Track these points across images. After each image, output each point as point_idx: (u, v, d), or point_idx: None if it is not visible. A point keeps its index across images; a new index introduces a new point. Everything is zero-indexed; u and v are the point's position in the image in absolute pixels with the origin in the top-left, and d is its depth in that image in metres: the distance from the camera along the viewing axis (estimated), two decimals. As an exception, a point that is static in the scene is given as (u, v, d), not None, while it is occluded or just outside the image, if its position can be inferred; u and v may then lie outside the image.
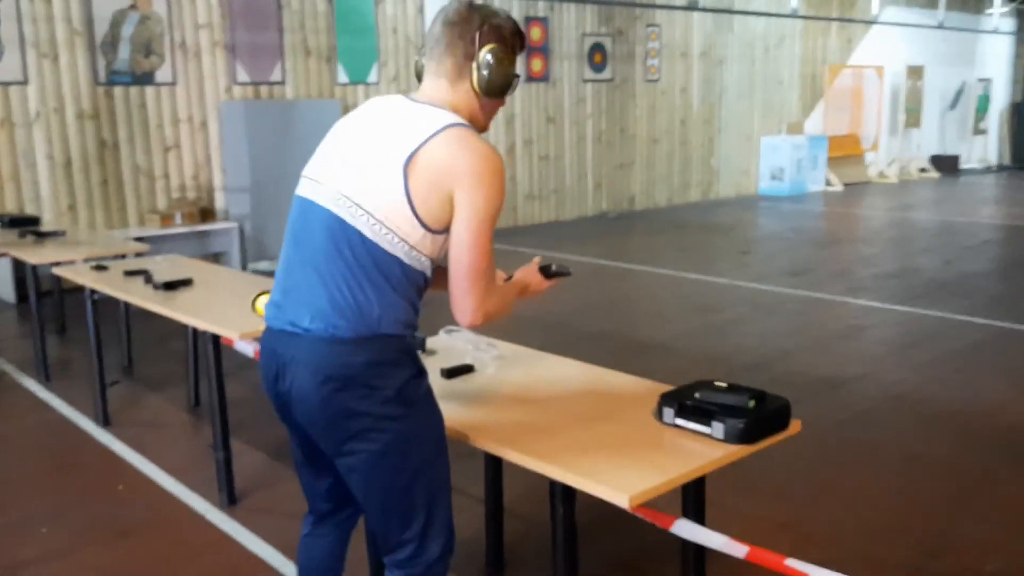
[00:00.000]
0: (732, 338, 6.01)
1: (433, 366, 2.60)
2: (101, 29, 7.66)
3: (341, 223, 1.87)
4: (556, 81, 11.27)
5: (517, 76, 2.00)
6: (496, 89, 1.95)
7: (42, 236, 5.58)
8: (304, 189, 1.98)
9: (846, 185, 15.10)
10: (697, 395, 2.13)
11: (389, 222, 1.84)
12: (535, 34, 10.94)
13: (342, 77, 9.33)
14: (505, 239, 10.10)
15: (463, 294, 1.88)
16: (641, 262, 8.78)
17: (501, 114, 10.70)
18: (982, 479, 3.74)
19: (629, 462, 1.95)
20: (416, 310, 1.96)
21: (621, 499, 1.77)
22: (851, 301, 6.97)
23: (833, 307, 6.87)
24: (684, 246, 9.91)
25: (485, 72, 1.92)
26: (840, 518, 3.39)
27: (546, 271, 2.28)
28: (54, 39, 7.44)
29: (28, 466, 4.01)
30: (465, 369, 2.57)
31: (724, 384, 2.17)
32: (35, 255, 5.02)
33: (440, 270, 1.97)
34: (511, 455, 2.03)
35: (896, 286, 7.54)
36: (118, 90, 7.82)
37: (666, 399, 2.15)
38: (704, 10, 12.33)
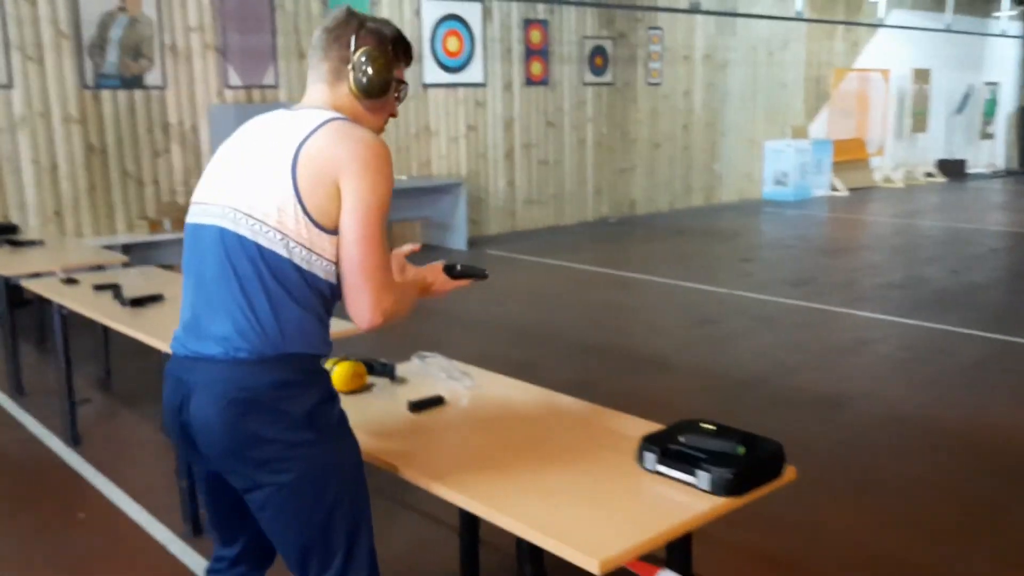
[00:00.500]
0: (730, 352, 5.82)
1: (400, 397, 2.43)
2: (89, 32, 7.50)
3: (233, 236, 1.78)
4: (556, 84, 11.09)
5: (404, 83, 1.96)
6: (373, 89, 1.90)
7: (19, 245, 5.42)
8: (193, 216, 1.90)
9: (851, 190, 14.90)
10: (682, 439, 1.95)
11: (282, 227, 1.75)
12: (535, 37, 10.76)
13: (336, 80, 9.14)
14: (504, 245, 9.93)
15: (356, 292, 1.78)
16: (640, 270, 8.58)
17: (500, 118, 10.52)
18: (991, 508, 3.55)
19: (604, 516, 1.77)
20: (324, 325, 1.86)
21: (590, 564, 1.59)
22: (855, 313, 6.77)
23: (836, 319, 6.67)
24: (685, 253, 9.72)
25: (360, 72, 1.88)
26: (838, 551, 3.20)
27: (450, 271, 2.19)
28: (40, 41, 7.28)
29: (-9, 489, 3.83)
30: (435, 402, 2.39)
31: (712, 426, 1.99)
32: (8, 266, 4.85)
33: None
34: (476, 508, 1.84)
35: (901, 297, 7.34)
36: (106, 94, 7.66)
37: (648, 442, 1.97)
38: (707, 13, 12.12)
